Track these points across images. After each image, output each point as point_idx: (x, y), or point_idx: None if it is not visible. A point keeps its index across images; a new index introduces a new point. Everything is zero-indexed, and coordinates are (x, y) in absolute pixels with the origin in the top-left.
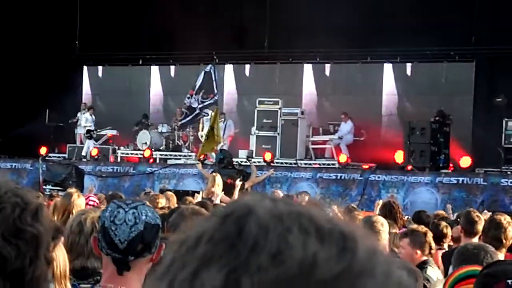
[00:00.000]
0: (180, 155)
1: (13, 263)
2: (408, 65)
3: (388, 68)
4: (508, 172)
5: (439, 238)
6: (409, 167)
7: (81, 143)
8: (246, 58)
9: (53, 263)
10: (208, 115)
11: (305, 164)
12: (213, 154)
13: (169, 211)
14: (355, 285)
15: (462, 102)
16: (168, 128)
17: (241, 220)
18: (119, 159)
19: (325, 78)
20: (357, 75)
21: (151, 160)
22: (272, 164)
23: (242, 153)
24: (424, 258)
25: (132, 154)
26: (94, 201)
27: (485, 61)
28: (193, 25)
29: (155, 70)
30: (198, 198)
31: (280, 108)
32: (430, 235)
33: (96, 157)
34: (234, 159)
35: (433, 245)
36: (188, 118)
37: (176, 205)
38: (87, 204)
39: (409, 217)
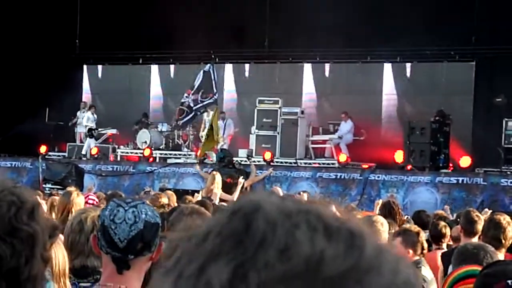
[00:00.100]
0: (180, 154)
1: (9, 262)
2: (408, 65)
3: (388, 67)
4: (508, 172)
5: (438, 238)
6: (409, 167)
7: (81, 142)
8: (246, 57)
9: (52, 262)
10: (200, 114)
11: (305, 163)
12: (213, 154)
13: (169, 210)
14: (362, 282)
15: (462, 102)
16: (168, 127)
17: (249, 216)
18: (119, 158)
19: (325, 78)
20: (357, 75)
21: (151, 159)
22: (272, 163)
23: (242, 152)
24: (417, 258)
25: (132, 153)
26: (94, 200)
27: (485, 61)
28: (193, 24)
29: (155, 69)
30: (199, 197)
31: (280, 108)
32: (422, 235)
33: (96, 156)
34: (234, 158)
35: (425, 245)
36: (188, 117)
37: (176, 204)
38: (86, 203)
39: (409, 216)
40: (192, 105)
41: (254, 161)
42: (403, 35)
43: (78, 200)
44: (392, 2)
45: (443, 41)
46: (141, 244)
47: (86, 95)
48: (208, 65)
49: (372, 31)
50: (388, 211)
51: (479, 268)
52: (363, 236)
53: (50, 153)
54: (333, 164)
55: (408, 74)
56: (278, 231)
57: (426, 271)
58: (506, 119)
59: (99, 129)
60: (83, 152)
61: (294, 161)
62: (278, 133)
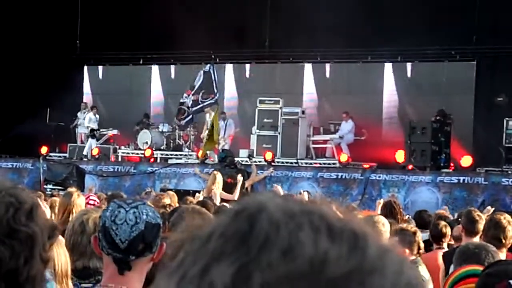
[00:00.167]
0: (181, 155)
1: (8, 263)
2: (409, 65)
3: (388, 67)
4: (509, 172)
5: (438, 237)
6: (410, 167)
7: (82, 142)
8: (246, 57)
9: (55, 263)
10: (197, 114)
11: (306, 163)
12: (214, 154)
13: (170, 210)
14: (365, 283)
15: (463, 102)
16: (168, 128)
17: (252, 217)
18: (120, 159)
19: (326, 78)
20: (358, 75)
21: (152, 160)
22: (273, 163)
23: (243, 153)
24: (413, 257)
25: (133, 153)
26: (95, 201)
27: (486, 60)
28: (194, 25)
29: (155, 69)
30: (200, 198)
31: (280, 108)
32: (419, 234)
33: (97, 156)
34: (235, 159)
35: (422, 244)
36: (189, 118)
37: (177, 205)
38: (87, 203)
39: (410, 216)
40: (191, 105)
41: (255, 161)
42: (403, 34)
43: (79, 201)
44: (392, 2)
45: (444, 41)
46: (142, 245)
47: (87, 96)
48: (208, 65)
49: (372, 30)
50: (389, 211)
51: (480, 268)
52: (367, 237)
53: (51, 154)
54: (334, 164)
55: (409, 74)
56: (282, 232)
57: (423, 270)
58: (507, 119)
59: (101, 130)
60: (85, 152)
61: (295, 161)
62: (279, 133)
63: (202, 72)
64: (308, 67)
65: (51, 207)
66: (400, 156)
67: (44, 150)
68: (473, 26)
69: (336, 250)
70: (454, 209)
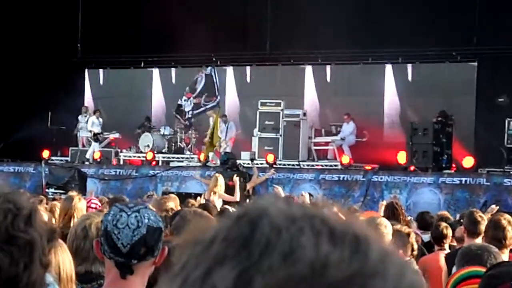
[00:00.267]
0: (182, 158)
1: (7, 270)
2: (410, 66)
3: (389, 69)
4: (511, 172)
5: (439, 239)
6: (412, 168)
7: (83, 146)
8: (247, 60)
9: (59, 267)
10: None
11: (308, 165)
12: (216, 157)
13: (172, 214)
14: (367, 287)
15: (465, 102)
16: (170, 131)
17: (254, 221)
18: (121, 162)
19: (327, 80)
20: (359, 76)
21: (154, 163)
22: (274, 165)
23: (245, 155)
24: (407, 259)
25: (134, 157)
26: (96, 204)
27: (487, 61)
28: (194, 27)
29: (156, 72)
30: (201, 200)
31: (282, 110)
32: (413, 236)
33: (98, 160)
34: (237, 161)
35: (415, 246)
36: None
37: (179, 208)
38: (89, 207)
39: (412, 218)
40: (187, 109)
41: (256, 164)
42: (404, 36)
43: (80, 205)
44: (393, 3)
45: (444, 42)
46: (144, 249)
47: (88, 99)
48: (210, 68)
49: (373, 32)
50: (392, 212)
51: (482, 269)
52: (368, 241)
53: (52, 158)
54: (336, 165)
55: (410, 75)
56: (283, 235)
57: None
58: (509, 119)
59: (104, 134)
60: (87, 156)
61: (297, 163)
62: (280, 135)
63: (203, 75)
64: (309, 69)
65: (51, 211)
66: (401, 157)
67: (45, 154)
68: (474, 26)
69: (337, 254)
70: (456, 210)
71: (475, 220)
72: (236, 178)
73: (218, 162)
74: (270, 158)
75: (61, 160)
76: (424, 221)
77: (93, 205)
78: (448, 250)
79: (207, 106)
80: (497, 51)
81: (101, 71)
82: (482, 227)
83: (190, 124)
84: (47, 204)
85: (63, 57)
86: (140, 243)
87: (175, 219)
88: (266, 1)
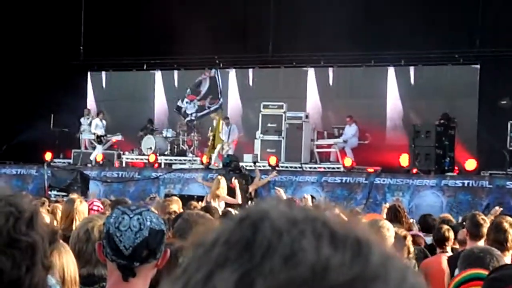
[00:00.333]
0: (185, 160)
1: (9, 273)
2: (412, 68)
3: (392, 71)
4: None
5: (441, 241)
6: (414, 170)
7: (86, 148)
8: (250, 62)
9: (64, 270)
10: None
11: (310, 168)
12: (219, 159)
13: (174, 216)
14: None
15: (467, 105)
16: (172, 133)
17: (255, 224)
18: (124, 164)
19: (329, 82)
20: (361, 79)
21: (156, 165)
22: (277, 168)
23: (247, 157)
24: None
25: (137, 159)
26: (99, 207)
27: (490, 64)
28: (196, 30)
29: (159, 75)
30: (204, 203)
31: (284, 112)
32: (409, 239)
33: (101, 162)
34: (240, 163)
35: (412, 249)
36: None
37: (181, 210)
38: (91, 209)
39: (414, 220)
40: (189, 111)
41: (259, 166)
42: (406, 38)
43: (81, 208)
44: (395, 6)
45: (447, 44)
46: (147, 252)
47: (91, 102)
48: (214, 70)
49: (375, 35)
50: (394, 215)
51: (484, 272)
52: (370, 244)
53: (55, 160)
54: (338, 168)
55: (412, 78)
56: (284, 238)
57: None
58: (511, 122)
59: (108, 136)
60: (91, 158)
61: (299, 165)
62: (283, 137)
63: (208, 77)
64: (311, 72)
65: (53, 213)
66: (404, 160)
67: (48, 156)
68: (476, 29)
69: (338, 257)
70: (458, 212)
71: (477, 223)
72: (235, 181)
73: (221, 165)
74: (273, 160)
75: (64, 163)
76: (426, 224)
77: (95, 208)
78: (450, 253)
79: (211, 109)
80: (500, 54)
81: (103, 73)
82: (485, 229)
83: (193, 126)
84: (49, 206)
85: (65, 60)
86: (142, 245)
87: (178, 222)
88: (268, 3)
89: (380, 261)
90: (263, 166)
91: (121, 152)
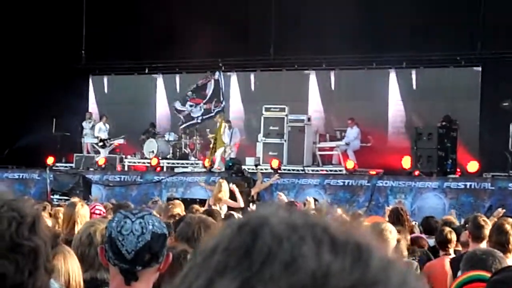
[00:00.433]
0: (187, 163)
1: (12, 278)
2: (414, 71)
3: (394, 74)
4: None
5: (444, 243)
6: (417, 173)
7: (88, 152)
8: (251, 65)
9: (69, 275)
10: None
11: (312, 170)
12: (222, 163)
13: (176, 220)
14: None
15: (469, 107)
16: (175, 137)
17: (255, 231)
18: (126, 168)
19: (331, 85)
20: (363, 81)
21: (158, 169)
22: (279, 171)
23: (249, 160)
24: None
25: (139, 162)
26: (101, 210)
27: (491, 66)
28: (199, 33)
29: (160, 78)
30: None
31: (286, 115)
32: (403, 243)
33: (103, 166)
34: (243, 166)
35: (405, 252)
36: (184, 125)
37: (184, 213)
38: (93, 213)
39: (417, 222)
40: (195, 115)
41: (261, 169)
42: (408, 41)
43: (83, 211)
44: (397, 8)
45: (448, 47)
46: (149, 255)
47: (93, 106)
48: (217, 73)
49: (377, 37)
50: (396, 218)
51: (487, 274)
52: (370, 249)
53: (57, 164)
54: (340, 171)
55: (414, 80)
56: (284, 245)
57: None
58: None
59: (111, 139)
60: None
61: (302, 168)
62: (285, 140)
63: (212, 80)
64: (313, 75)
65: (55, 217)
66: (406, 162)
67: (50, 160)
68: (478, 31)
69: (339, 263)
70: (461, 214)
71: (478, 225)
72: (233, 186)
73: (223, 168)
74: (275, 163)
75: (66, 167)
76: (429, 226)
77: (97, 212)
78: (453, 255)
79: (214, 111)
80: (501, 56)
81: (105, 77)
82: (486, 231)
83: (195, 130)
84: (51, 210)
85: (67, 64)
86: (144, 249)
87: (180, 226)
88: (270, 6)
89: (380, 265)
90: (265, 169)
91: (123, 156)
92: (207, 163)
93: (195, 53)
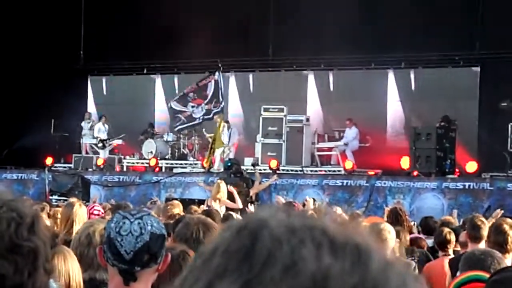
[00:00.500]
0: (185, 164)
1: (12, 279)
2: (412, 71)
3: (392, 74)
4: None
5: (443, 244)
6: (415, 173)
7: (87, 153)
8: (250, 65)
9: (69, 276)
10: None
11: (311, 171)
12: (220, 163)
13: (175, 220)
14: None
15: (468, 107)
16: (173, 137)
17: (255, 233)
18: (125, 169)
19: (330, 85)
20: (362, 82)
21: (157, 169)
22: (277, 171)
23: (248, 161)
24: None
25: (138, 163)
26: (99, 211)
27: (490, 66)
28: (198, 33)
29: (159, 79)
30: (205, 207)
31: (285, 115)
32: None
33: (102, 166)
34: (241, 167)
35: (398, 254)
36: (183, 126)
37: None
38: (92, 214)
39: (416, 222)
40: (196, 115)
41: (260, 170)
42: (407, 41)
43: (81, 211)
44: (395, 9)
45: (447, 47)
46: (148, 256)
47: (91, 106)
48: (217, 73)
49: (376, 37)
50: (395, 218)
51: (484, 273)
52: (369, 251)
53: (56, 165)
54: (339, 171)
55: (412, 80)
56: (284, 248)
57: None
58: None
59: (110, 139)
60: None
61: (300, 168)
62: (283, 141)
63: (213, 80)
64: (311, 75)
65: (54, 217)
66: (405, 162)
67: (49, 161)
68: (476, 31)
69: (338, 265)
70: (460, 215)
71: (475, 225)
72: (231, 188)
73: (222, 168)
74: (273, 164)
75: (65, 167)
76: (428, 226)
77: (96, 212)
78: (452, 255)
79: (213, 112)
80: (500, 56)
81: (104, 78)
82: (483, 231)
83: (194, 130)
84: (50, 211)
85: (65, 64)
86: (143, 250)
87: (178, 226)
88: (269, 7)
89: (380, 267)
90: (264, 169)
91: (122, 157)
92: (205, 164)
93: (194, 54)
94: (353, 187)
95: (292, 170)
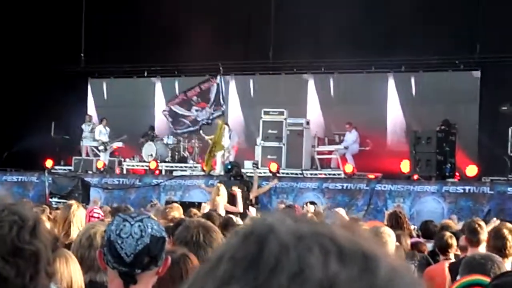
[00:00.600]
0: (185, 167)
1: (13, 282)
2: (413, 75)
3: (392, 78)
4: None
5: (444, 248)
6: (415, 177)
7: (87, 155)
8: (250, 69)
9: (71, 279)
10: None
11: (311, 174)
12: (221, 165)
13: (174, 223)
14: None
15: (468, 111)
16: (173, 140)
17: (262, 239)
18: (125, 171)
19: (330, 88)
20: (362, 85)
21: (157, 172)
22: (277, 174)
23: (248, 164)
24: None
25: (138, 166)
26: (99, 214)
27: (490, 70)
28: (198, 37)
29: (159, 82)
30: (206, 209)
31: (285, 119)
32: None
33: (102, 169)
34: (242, 170)
35: (403, 256)
36: (188, 129)
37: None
38: (91, 216)
39: (416, 226)
40: (199, 119)
41: (259, 172)
42: (407, 45)
43: (78, 213)
44: (395, 12)
45: (447, 51)
46: (148, 259)
47: (91, 109)
48: (219, 77)
49: (376, 41)
50: (395, 222)
51: (484, 278)
52: (377, 258)
53: (56, 167)
54: (339, 174)
55: (413, 84)
56: (291, 254)
57: None
58: None
59: (111, 141)
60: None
61: (300, 172)
62: (283, 144)
63: (215, 84)
64: (312, 78)
65: (54, 220)
66: (405, 166)
67: (49, 163)
68: (477, 35)
69: (346, 273)
70: (460, 219)
71: (473, 229)
72: (235, 189)
73: (222, 171)
74: (273, 167)
75: (65, 170)
76: (428, 230)
77: (95, 215)
78: (453, 260)
79: (214, 115)
80: (500, 60)
81: (104, 80)
82: (481, 235)
83: (194, 133)
84: (50, 213)
85: (66, 67)
86: (143, 252)
87: (178, 229)
88: (269, 10)
89: (387, 275)
90: (264, 172)
91: (122, 159)
92: (206, 167)
93: (194, 57)
94: (353, 191)
95: (292, 173)
